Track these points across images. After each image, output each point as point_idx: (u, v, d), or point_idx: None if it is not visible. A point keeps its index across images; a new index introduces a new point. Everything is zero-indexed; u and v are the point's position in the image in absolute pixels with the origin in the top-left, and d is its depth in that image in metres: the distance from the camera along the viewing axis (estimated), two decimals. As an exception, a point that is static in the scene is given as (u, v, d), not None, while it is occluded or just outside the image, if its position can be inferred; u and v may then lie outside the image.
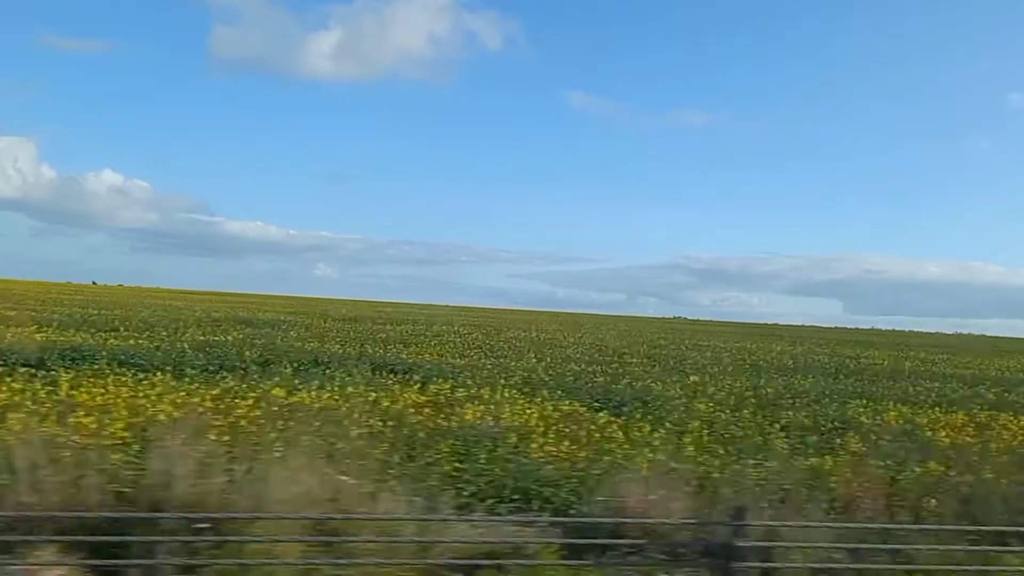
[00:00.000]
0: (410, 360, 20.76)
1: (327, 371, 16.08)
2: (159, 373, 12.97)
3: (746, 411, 14.33)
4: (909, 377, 26.04)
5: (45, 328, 23.48)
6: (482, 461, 8.41)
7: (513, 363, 22.15)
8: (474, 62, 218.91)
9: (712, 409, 14.10)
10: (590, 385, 17.63)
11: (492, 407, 11.63)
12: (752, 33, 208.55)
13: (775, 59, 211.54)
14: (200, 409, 9.22)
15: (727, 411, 14.21)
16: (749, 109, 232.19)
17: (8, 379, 10.76)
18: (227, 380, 13.07)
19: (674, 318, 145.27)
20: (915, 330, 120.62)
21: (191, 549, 5.60)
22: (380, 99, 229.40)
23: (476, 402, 12.23)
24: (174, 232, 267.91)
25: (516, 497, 7.59)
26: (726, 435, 11.54)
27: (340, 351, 22.10)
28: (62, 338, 20.48)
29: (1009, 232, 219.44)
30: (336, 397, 11.57)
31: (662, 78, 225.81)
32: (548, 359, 24.64)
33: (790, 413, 14.63)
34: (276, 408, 9.80)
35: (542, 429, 10.21)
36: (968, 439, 11.86)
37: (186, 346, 19.67)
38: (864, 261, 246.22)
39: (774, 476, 8.31)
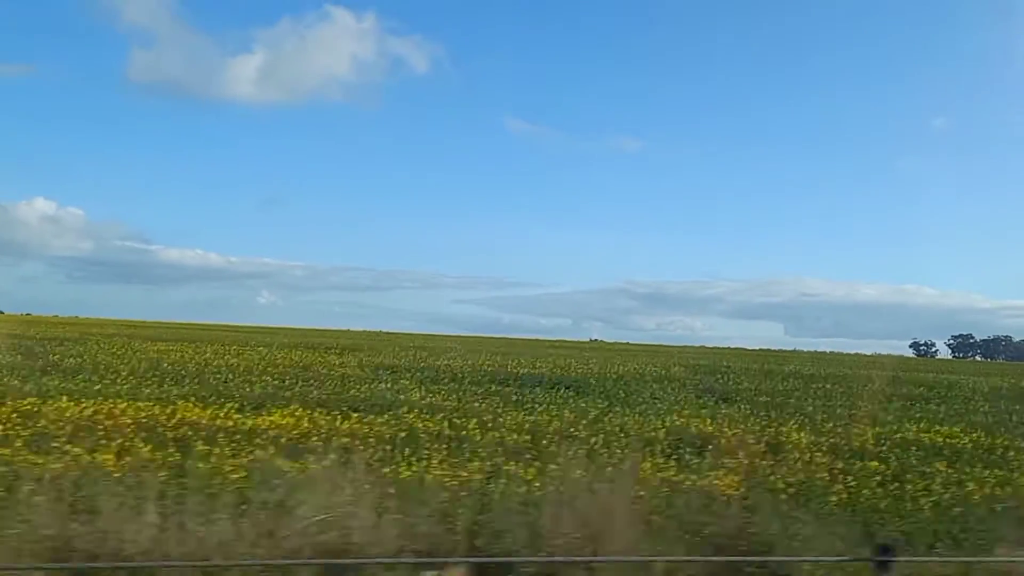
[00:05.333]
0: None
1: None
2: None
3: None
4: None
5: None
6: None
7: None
8: (401, 86, 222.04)
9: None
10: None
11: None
12: (681, 59, 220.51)
13: (703, 85, 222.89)
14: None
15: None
16: (679, 135, 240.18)
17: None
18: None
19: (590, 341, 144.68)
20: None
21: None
22: (308, 123, 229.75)
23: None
24: (110, 260, 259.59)
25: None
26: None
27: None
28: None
29: (940, 255, 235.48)
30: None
31: (594, 104, 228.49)
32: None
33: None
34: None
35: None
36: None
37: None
38: (802, 284, 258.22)
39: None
